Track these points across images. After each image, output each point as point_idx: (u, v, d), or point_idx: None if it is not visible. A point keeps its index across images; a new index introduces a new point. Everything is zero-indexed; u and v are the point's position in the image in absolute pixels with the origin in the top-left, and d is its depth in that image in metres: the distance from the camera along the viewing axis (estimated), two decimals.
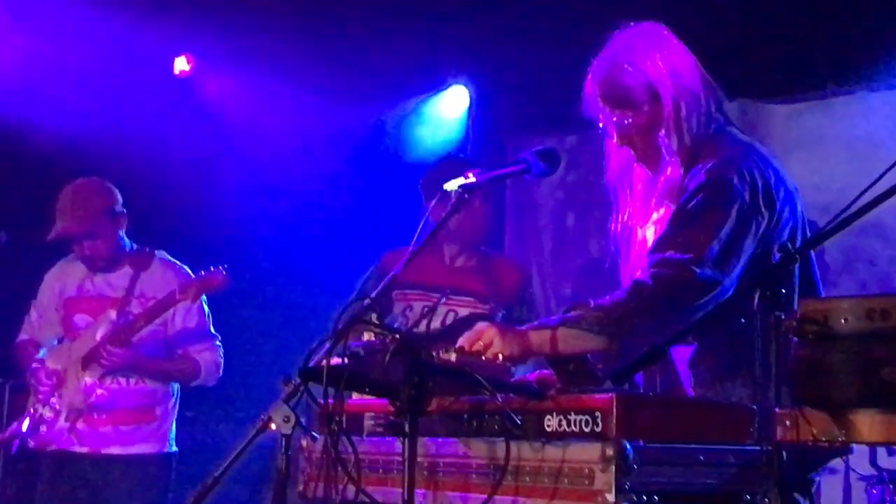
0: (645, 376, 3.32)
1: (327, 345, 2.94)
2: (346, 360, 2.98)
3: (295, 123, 7.85)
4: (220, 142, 7.79)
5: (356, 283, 5.73)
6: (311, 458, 3.46)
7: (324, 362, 2.91)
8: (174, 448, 5.62)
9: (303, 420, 3.23)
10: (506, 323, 5.31)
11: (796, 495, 3.11)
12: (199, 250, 6.25)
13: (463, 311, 5.41)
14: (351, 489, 3.05)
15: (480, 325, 3.17)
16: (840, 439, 2.40)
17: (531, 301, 5.67)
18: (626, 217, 3.46)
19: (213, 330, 5.68)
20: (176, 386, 5.66)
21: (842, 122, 6.90)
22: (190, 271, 5.57)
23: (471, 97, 8.14)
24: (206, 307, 5.65)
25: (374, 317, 3.00)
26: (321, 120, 7.84)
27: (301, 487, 3.47)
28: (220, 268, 5.36)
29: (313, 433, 3.35)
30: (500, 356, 3.08)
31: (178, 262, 5.68)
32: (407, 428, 2.81)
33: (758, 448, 2.66)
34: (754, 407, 2.76)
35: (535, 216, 8.24)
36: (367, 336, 3.07)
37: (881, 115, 6.73)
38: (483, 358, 3.08)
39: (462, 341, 3.15)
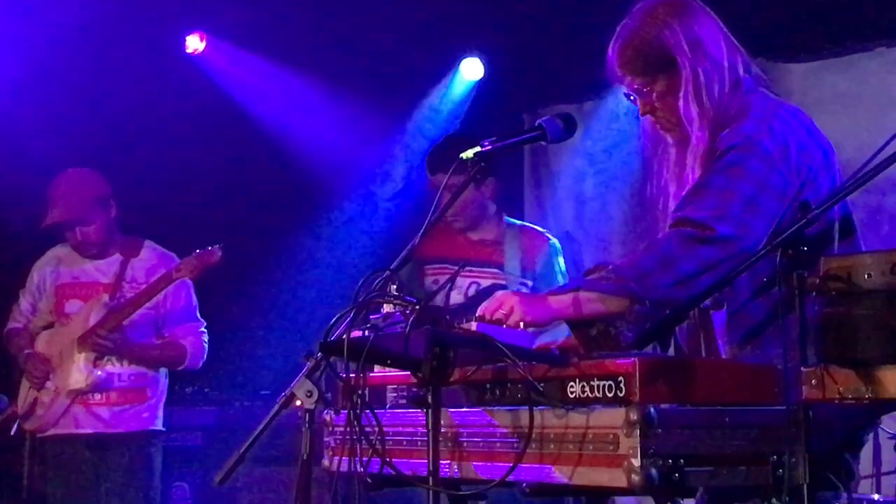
0: (688, 336, 3.28)
1: (347, 318, 2.92)
2: (366, 332, 2.96)
3: (307, 103, 7.81)
4: (231, 121, 7.76)
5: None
6: (334, 433, 3.45)
7: (344, 336, 2.90)
8: (161, 427, 5.75)
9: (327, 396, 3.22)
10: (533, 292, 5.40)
11: (846, 455, 3.07)
12: (213, 231, 6.26)
13: (485, 283, 5.43)
14: (375, 462, 3.04)
15: (500, 294, 3.15)
16: (867, 396, 2.38)
17: (557, 270, 5.62)
18: (661, 182, 3.43)
19: (199, 316, 5.82)
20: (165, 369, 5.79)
21: (861, 80, 6.84)
22: (177, 259, 5.68)
23: (485, 69, 8.08)
24: (193, 295, 5.78)
25: (393, 288, 2.98)
26: (332, 99, 7.80)
27: (325, 462, 3.46)
28: (216, 246, 5.48)
29: (336, 407, 3.34)
30: (522, 323, 3.06)
31: (165, 249, 5.80)
32: (430, 399, 2.80)
33: (784, 408, 2.64)
34: (779, 367, 2.72)
35: (554, 185, 8.21)
36: (386, 308, 3.05)
37: None
38: (504, 326, 3.06)
39: (482, 310, 3.13)
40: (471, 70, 8.11)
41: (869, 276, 2.36)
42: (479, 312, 3.13)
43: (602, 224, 7.92)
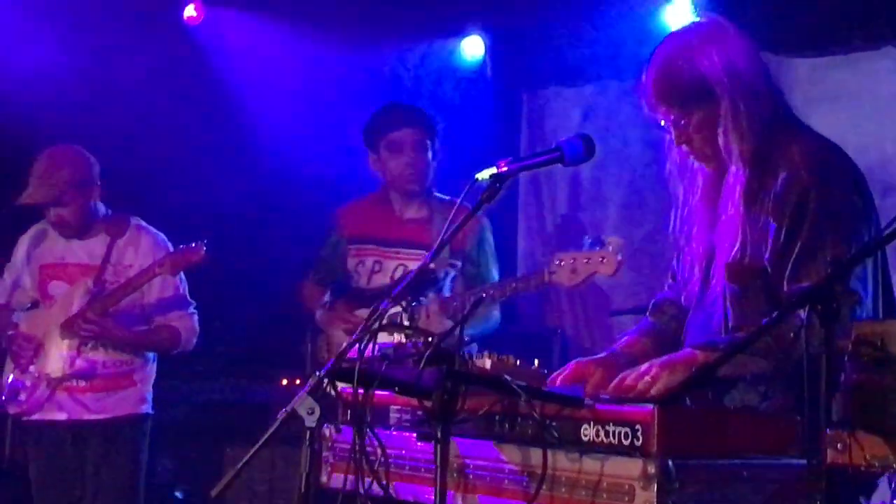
0: None
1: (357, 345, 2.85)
2: (374, 355, 2.89)
3: (306, 72, 7.69)
4: (229, 90, 7.64)
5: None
6: (333, 449, 3.38)
7: (351, 364, 2.84)
8: (150, 410, 5.63)
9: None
10: (463, 276, 5.38)
11: (860, 499, 3.01)
12: (211, 206, 6.17)
13: (412, 265, 5.28)
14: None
15: (655, 364, 3.05)
16: (894, 466, 2.32)
17: (487, 250, 5.52)
18: (686, 213, 3.36)
19: (188, 297, 5.68)
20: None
21: (867, 78, 6.75)
22: (165, 238, 5.59)
23: (486, 47, 7.96)
24: (181, 280, 5.63)
25: (404, 317, 2.91)
26: (334, 68, 7.68)
27: (324, 478, 3.40)
28: (200, 243, 5.34)
29: (338, 425, 3.27)
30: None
31: (152, 228, 5.66)
32: (439, 435, 2.74)
33: (802, 462, 2.58)
34: (799, 418, 2.66)
35: (550, 170, 8.10)
36: (396, 337, 2.98)
37: None
38: (652, 393, 2.95)
39: (630, 380, 3.04)
40: (472, 48, 7.98)
41: None
42: (625, 383, 3.04)
43: (598, 209, 7.84)
